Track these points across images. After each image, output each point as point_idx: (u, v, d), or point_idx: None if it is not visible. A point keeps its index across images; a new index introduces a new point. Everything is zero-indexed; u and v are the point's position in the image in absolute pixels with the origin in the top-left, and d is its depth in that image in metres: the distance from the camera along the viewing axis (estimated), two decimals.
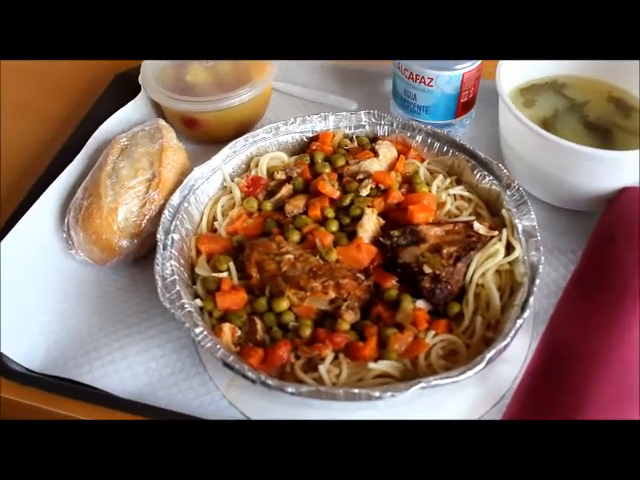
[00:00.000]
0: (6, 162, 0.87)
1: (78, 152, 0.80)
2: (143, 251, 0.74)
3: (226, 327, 0.63)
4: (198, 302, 0.66)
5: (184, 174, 0.75)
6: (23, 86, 0.98)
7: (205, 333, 0.61)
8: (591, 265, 0.69)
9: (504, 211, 0.70)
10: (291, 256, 0.66)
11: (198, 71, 0.84)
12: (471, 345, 0.63)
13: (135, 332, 0.69)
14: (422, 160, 0.78)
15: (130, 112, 0.85)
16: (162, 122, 0.81)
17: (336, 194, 0.72)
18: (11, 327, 0.68)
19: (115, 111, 0.84)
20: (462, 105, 0.82)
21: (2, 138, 0.89)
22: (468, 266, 0.66)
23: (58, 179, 0.77)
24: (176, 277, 0.66)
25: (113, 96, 0.90)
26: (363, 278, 0.65)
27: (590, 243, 0.71)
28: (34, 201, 0.75)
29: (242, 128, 0.85)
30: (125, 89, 0.89)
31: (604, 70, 0.82)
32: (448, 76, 0.78)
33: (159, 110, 0.88)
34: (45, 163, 0.83)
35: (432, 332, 0.63)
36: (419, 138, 0.78)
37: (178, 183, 0.73)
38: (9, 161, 0.87)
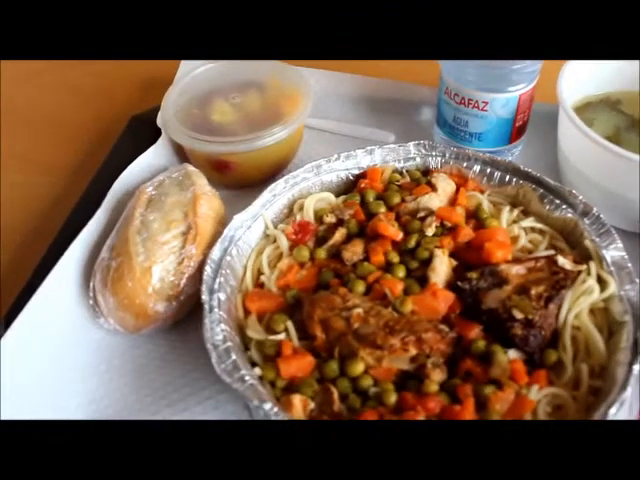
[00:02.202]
0: (10, 224, 0.78)
1: (97, 207, 0.71)
2: (181, 315, 0.65)
3: (296, 399, 0.55)
4: (257, 371, 0.57)
5: (222, 224, 0.67)
6: (25, 137, 0.90)
7: (276, 410, 0.52)
8: None
9: (587, 242, 0.63)
10: (360, 310, 0.58)
11: (224, 109, 0.76)
12: (577, 397, 0.56)
13: (181, 409, 0.60)
14: (482, 191, 0.70)
15: (150, 159, 0.77)
16: (191, 167, 0.72)
17: (399, 236, 0.64)
18: (32, 412, 0.58)
19: (133, 158, 0.75)
20: (517, 130, 0.76)
21: (2, 196, 0.80)
22: (559, 307, 0.59)
23: (78, 238, 0.68)
24: (230, 344, 0.57)
25: (129, 142, 0.82)
26: (447, 330, 0.57)
27: None
28: (51, 266, 0.66)
29: (276, 169, 0.78)
30: (142, 134, 0.81)
31: None
32: (505, 99, 0.72)
33: (182, 154, 0.79)
34: (59, 222, 0.74)
35: (536, 386, 0.55)
36: (476, 168, 0.71)
37: (217, 234, 0.65)
38: (13, 223, 0.78)
